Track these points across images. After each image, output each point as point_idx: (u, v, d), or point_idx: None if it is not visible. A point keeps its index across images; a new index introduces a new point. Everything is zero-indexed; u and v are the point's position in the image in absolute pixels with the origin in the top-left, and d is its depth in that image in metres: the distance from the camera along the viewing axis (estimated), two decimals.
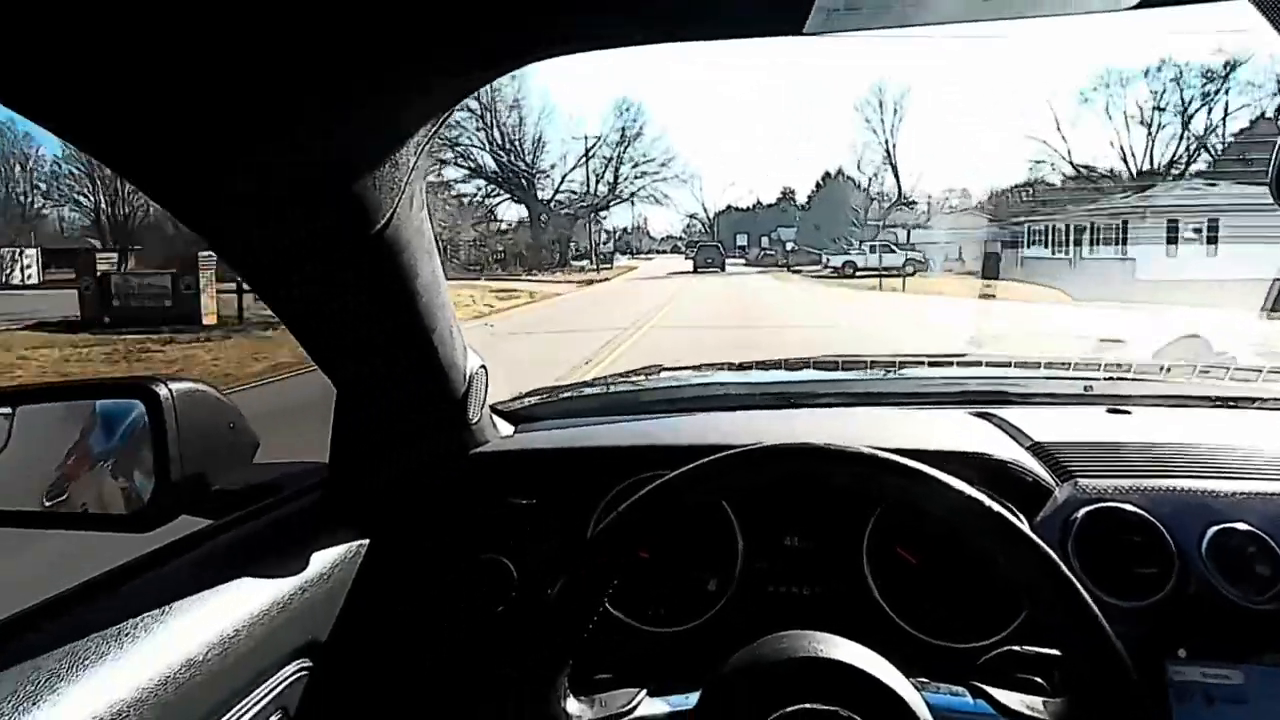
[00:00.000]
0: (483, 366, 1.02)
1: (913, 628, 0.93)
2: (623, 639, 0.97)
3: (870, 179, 42.93)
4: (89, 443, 0.91)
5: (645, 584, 1.01)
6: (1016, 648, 0.87)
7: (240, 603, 0.73)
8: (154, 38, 0.47)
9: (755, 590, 0.99)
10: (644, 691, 0.71)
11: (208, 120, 0.54)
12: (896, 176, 41.85)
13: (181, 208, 0.62)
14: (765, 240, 51.75)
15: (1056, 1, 0.49)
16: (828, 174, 48.33)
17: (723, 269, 36.10)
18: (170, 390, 0.79)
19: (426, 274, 0.79)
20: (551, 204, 41.91)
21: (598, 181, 43.58)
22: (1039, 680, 0.80)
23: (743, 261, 44.23)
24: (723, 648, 0.67)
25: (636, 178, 44.25)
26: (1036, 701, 0.65)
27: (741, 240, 53.50)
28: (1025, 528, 0.65)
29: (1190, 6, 0.53)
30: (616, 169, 43.98)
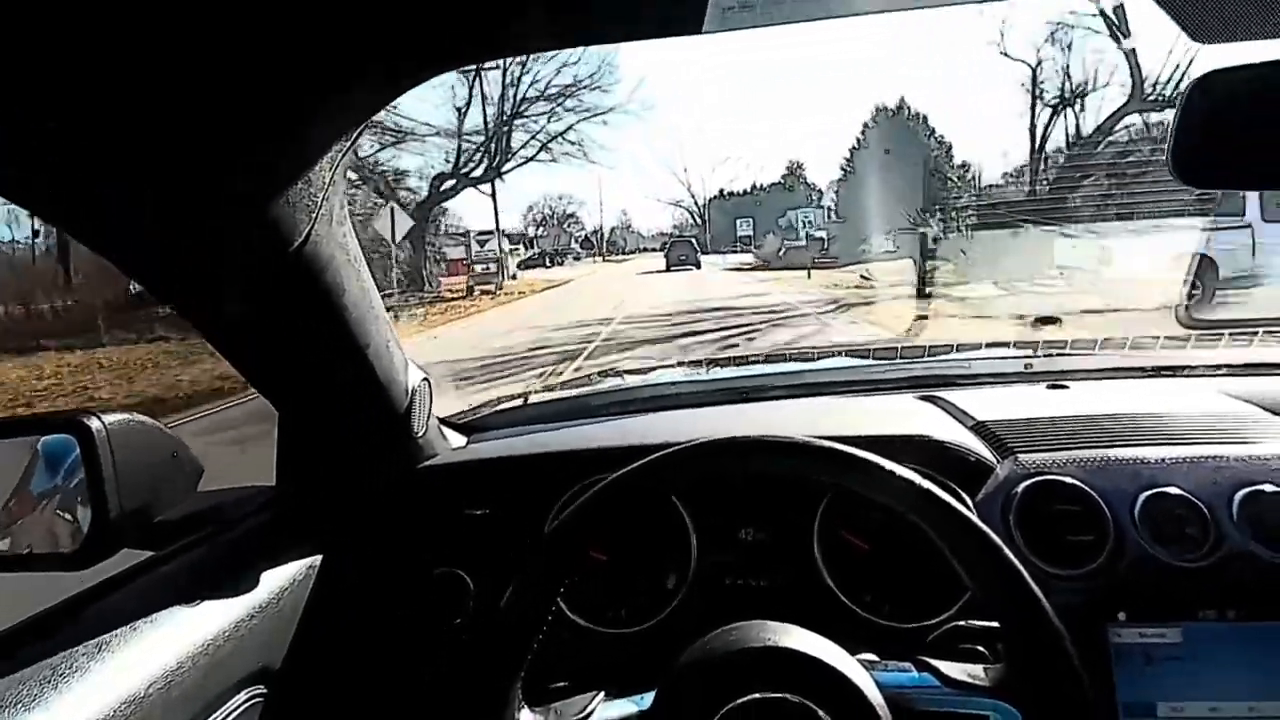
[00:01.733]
0: (425, 379, 1.02)
1: (865, 611, 0.95)
2: (582, 645, 0.98)
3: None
4: (32, 480, 0.89)
5: (602, 586, 1.01)
6: (963, 622, 0.89)
7: (184, 633, 0.72)
8: (57, 58, 0.47)
9: (712, 584, 1.00)
10: (600, 695, 0.71)
11: (111, 147, 0.54)
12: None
13: (93, 239, 0.62)
14: (786, 224, 40.03)
15: None
16: (880, 117, 31.79)
17: (698, 266, 31.39)
18: (104, 423, 0.78)
19: (354, 289, 0.79)
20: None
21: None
22: (983, 651, 0.82)
23: (750, 257, 34.98)
24: (682, 644, 0.68)
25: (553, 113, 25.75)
26: (978, 669, 0.68)
27: (745, 228, 44.43)
28: (959, 505, 0.67)
29: None
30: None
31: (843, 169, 34.78)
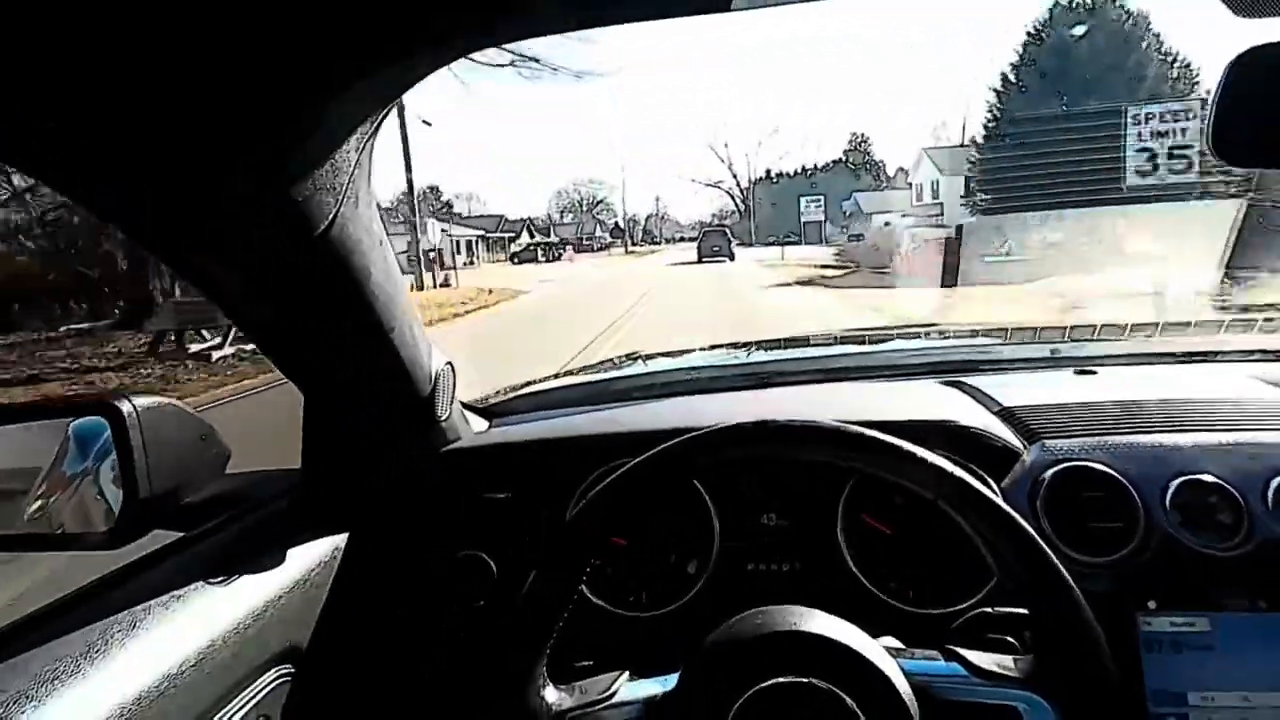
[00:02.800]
0: (448, 363, 1.02)
1: (889, 596, 0.95)
2: (604, 627, 0.98)
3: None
4: (64, 462, 0.91)
5: (625, 570, 1.02)
6: (989, 609, 0.88)
7: (214, 612, 0.73)
8: (85, 48, 0.47)
9: (734, 570, 1.00)
10: (624, 675, 0.72)
11: (141, 135, 0.54)
12: None
13: (127, 224, 0.62)
14: (853, 208, 32.87)
15: None
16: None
17: (731, 258, 29.20)
18: (135, 406, 0.79)
19: (380, 273, 0.79)
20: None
21: None
22: (1010, 640, 0.81)
23: (818, 252, 28.58)
24: (703, 629, 0.68)
25: None
26: (1007, 660, 0.67)
27: (813, 211, 33.95)
28: (991, 493, 0.66)
29: None
30: None
31: (987, 135, 22.11)
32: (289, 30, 0.49)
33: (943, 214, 27.50)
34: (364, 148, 0.65)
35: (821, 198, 32.94)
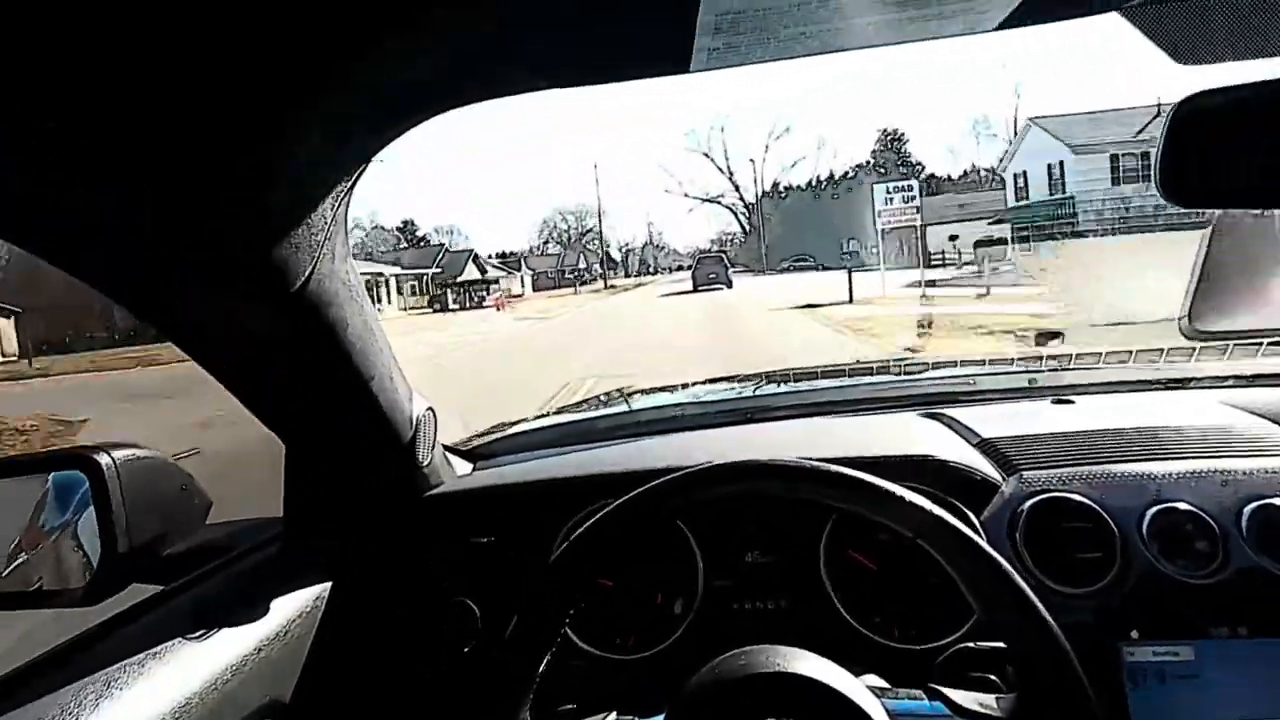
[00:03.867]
0: (429, 409, 1.02)
1: (873, 632, 0.95)
2: (591, 671, 0.97)
3: None
4: (43, 516, 0.90)
5: (611, 613, 1.01)
6: (971, 644, 0.88)
7: (192, 668, 0.72)
8: (57, 98, 0.48)
9: (719, 609, 1.00)
10: (610, 716, 0.71)
11: (110, 185, 0.55)
12: None
13: (104, 283, 0.63)
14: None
15: (919, 29, 0.52)
16: None
17: (729, 285, 27.47)
18: (113, 458, 0.79)
19: (357, 324, 0.80)
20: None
21: None
22: (993, 678, 0.81)
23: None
24: (690, 669, 0.68)
25: None
26: (990, 699, 0.67)
27: (895, 212, 16.95)
28: (967, 530, 0.67)
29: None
30: None
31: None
32: (263, 96, 0.51)
33: (1074, 213, 19.72)
34: (339, 205, 0.67)
35: (914, 185, 17.68)
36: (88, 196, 0.55)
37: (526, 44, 0.50)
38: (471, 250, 48.48)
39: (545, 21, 0.48)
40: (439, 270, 41.76)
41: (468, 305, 34.87)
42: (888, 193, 16.97)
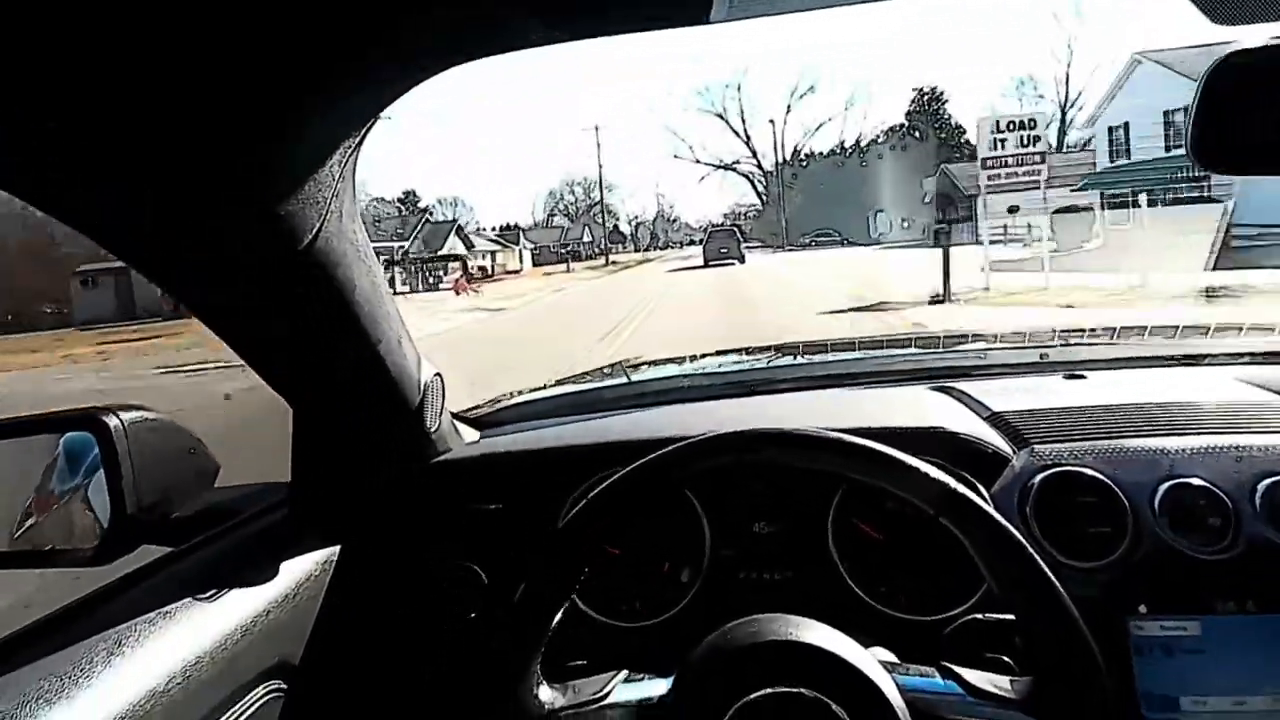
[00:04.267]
0: (437, 374, 1.02)
1: (880, 603, 0.95)
2: (599, 638, 0.98)
3: None
4: (54, 478, 0.91)
5: (617, 580, 1.01)
6: (980, 615, 0.88)
7: (202, 628, 0.73)
8: (62, 60, 0.47)
9: (726, 578, 1.00)
10: (618, 676, 0.72)
11: (123, 149, 0.54)
12: None
13: (110, 239, 0.62)
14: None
15: None
16: None
17: (741, 260, 26.29)
18: (121, 420, 0.79)
19: (365, 285, 0.79)
20: None
21: None
22: (1006, 660, 0.81)
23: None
24: (696, 638, 0.68)
25: None
26: (1004, 680, 0.67)
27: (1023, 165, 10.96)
28: (982, 503, 0.66)
29: None
30: None
31: None
32: (275, 44, 0.50)
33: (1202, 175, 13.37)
34: (347, 161, 0.66)
35: (1036, 121, 11.85)
36: (93, 153, 0.54)
37: None
38: (454, 221, 42.98)
39: None
40: (417, 244, 36.08)
41: (420, 287, 28.50)
42: (997, 131, 11.30)
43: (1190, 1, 0.59)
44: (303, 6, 0.47)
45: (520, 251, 47.71)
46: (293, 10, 0.47)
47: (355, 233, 0.75)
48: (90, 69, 0.47)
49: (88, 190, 0.58)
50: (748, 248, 29.40)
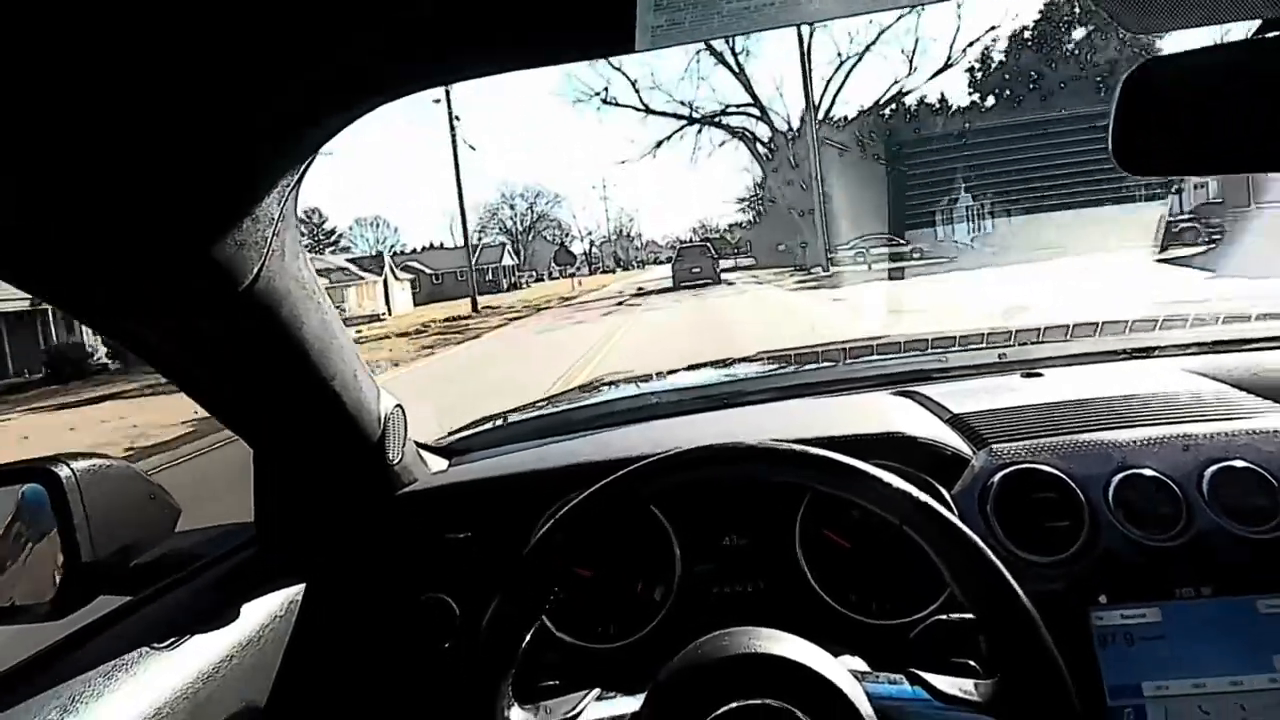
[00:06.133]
0: (398, 406, 1.02)
1: (849, 610, 0.96)
2: (571, 659, 0.98)
3: None
4: (11, 530, 0.89)
5: (590, 602, 1.01)
6: (944, 617, 0.90)
7: (163, 678, 0.71)
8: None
9: (698, 594, 1.01)
10: (590, 695, 0.72)
11: (49, 194, 0.54)
12: None
13: (49, 291, 0.62)
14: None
15: (866, 1, 0.52)
16: None
17: (716, 279, 22.25)
18: (73, 469, 0.78)
19: (314, 322, 0.79)
20: None
21: None
22: (972, 664, 0.83)
23: None
24: (670, 655, 0.69)
25: None
26: (969, 684, 0.68)
27: None
28: (943, 510, 0.68)
29: None
30: None
31: None
32: (209, 80, 0.50)
33: None
34: (286, 200, 0.66)
35: None
36: (17, 199, 0.54)
37: (467, 29, 0.50)
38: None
39: (485, 6, 0.48)
40: None
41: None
42: None
43: (1104, 12, 0.62)
44: (238, 45, 0.48)
45: (386, 283, 34.79)
46: (225, 51, 0.48)
47: (300, 269, 0.75)
48: (17, 105, 0.47)
49: (14, 235, 0.57)
50: (750, 274, 21.83)
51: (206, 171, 0.56)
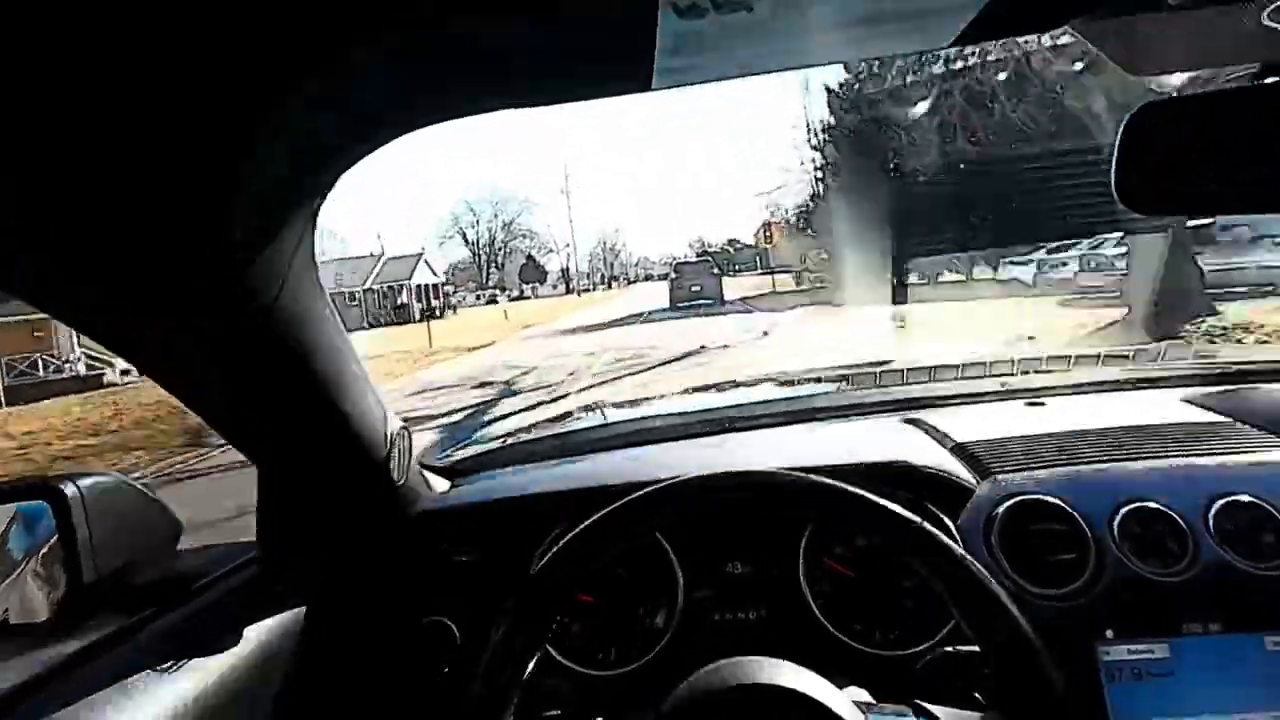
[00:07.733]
0: (404, 427, 1.02)
1: (853, 640, 0.95)
2: (574, 686, 0.97)
3: None
4: (9, 546, 0.88)
5: (593, 628, 1.01)
6: (950, 649, 0.89)
7: (162, 701, 0.70)
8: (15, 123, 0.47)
9: (700, 621, 1.00)
10: None
11: (70, 213, 0.54)
12: None
13: (56, 308, 0.62)
14: None
15: (877, 45, 0.53)
16: None
17: (721, 300, 19.87)
18: (79, 488, 0.78)
19: (327, 343, 0.79)
20: None
21: None
22: (976, 696, 0.82)
23: None
24: (673, 682, 0.68)
25: None
26: (975, 717, 0.67)
27: None
28: (948, 542, 0.67)
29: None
30: None
31: None
32: (231, 107, 0.51)
33: None
34: (307, 224, 0.66)
35: None
36: (42, 220, 0.54)
37: (487, 65, 0.50)
38: None
39: (506, 44, 0.48)
40: None
41: None
42: None
43: (1105, 55, 0.63)
44: (266, 74, 0.48)
45: None
46: (253, 77, 0.48)
47: (317, 290, 0.75)
48: (37, 121, 0.47)
49: (45, 262, 0.58)
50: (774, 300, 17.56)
51: (229, 196, 0.57)
